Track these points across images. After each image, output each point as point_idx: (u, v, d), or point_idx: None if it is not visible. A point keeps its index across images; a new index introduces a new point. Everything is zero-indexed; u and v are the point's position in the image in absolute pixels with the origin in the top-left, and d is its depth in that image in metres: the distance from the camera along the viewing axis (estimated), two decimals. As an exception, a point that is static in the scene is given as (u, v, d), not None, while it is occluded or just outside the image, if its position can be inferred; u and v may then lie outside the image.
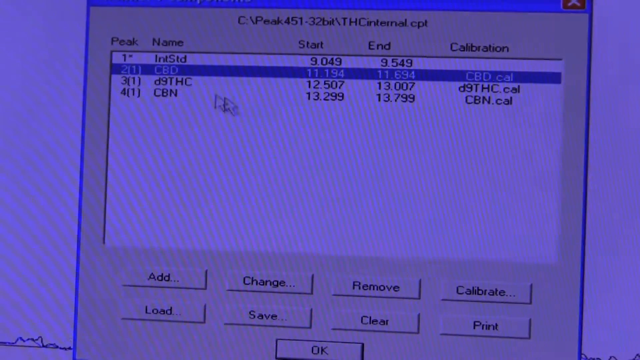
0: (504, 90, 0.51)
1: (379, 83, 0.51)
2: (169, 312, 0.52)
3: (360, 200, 0.51)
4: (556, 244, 0.50)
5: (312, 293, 0.51)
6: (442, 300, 0.51)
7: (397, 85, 0.51)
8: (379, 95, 0.51)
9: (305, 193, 0.51)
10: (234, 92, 0.52)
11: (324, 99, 0.51)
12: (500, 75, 0.51)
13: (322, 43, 0.51)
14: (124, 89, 0.52)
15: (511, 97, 0.51)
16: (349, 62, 0.51)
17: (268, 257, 0.51)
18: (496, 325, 0.50)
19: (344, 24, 0.51)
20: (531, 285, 0.50)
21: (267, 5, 0.52)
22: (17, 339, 0.52)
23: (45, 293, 0.52)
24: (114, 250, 0.52)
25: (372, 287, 0.51)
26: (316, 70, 0.51)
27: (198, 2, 0.52)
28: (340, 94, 0.51)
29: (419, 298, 0.51)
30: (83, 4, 0.52)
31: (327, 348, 0.51)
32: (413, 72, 0.51)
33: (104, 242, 0.52)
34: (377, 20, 0.51)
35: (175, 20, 0.52)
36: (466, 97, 0.51)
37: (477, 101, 0.51)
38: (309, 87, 0.51)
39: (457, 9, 0.51)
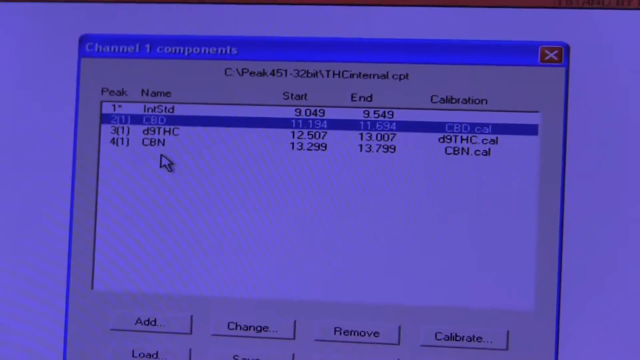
0: (482, 141, 0.52)
1: (361, 134, 0.53)
2: (155, 356, 0.53)
3: (341, 248, 0.52)
4: (532, 292, 0.51)
5: (294, 338, 0.53)
6: (421, 346, 0.52)
7: (379, 136, 0.52)
8: (360, 145, 0.53)
9: (289, 240, 0.52)
10: (220, 142, 0.53)
11: (307, 149, 0.53)
12: (478, 127, 0.52)
13: (306, 94, 0.53)
14: (113, 139, 0.54)
15: (489, 149, 0.52)
16: (332, 114, 0.53)
17: (252, 303, 0.53)
18: (474, 371, 0.52)
19: (328, 76, 0.53)
20: (508, 332, 0.51)
21: (252, 57, 0.53)
22: (7, 382, 0.54)
23: (35, 336, 0.54)
24: (101, 295, 0.53)
25: (353, 333, 0.52)
26: (300, 121, 0.53)
27: (186, 54, 0.53)
28: (324, 145, 0.53)
29: (399, 344, 0.52)
30: (74, 56, 0.54)
31: (309, 392, 0.52)
32: (394, 124, 0.53)
33: (92, 287, 0.53)
34: (360, 73, 0.53)
35: (163, 71, 0.53)
36: (446, 148, 0.52)
37: (456, 152, 0.52)
38: (293, 137, 0.53)
39: (438, 62, 0.52)
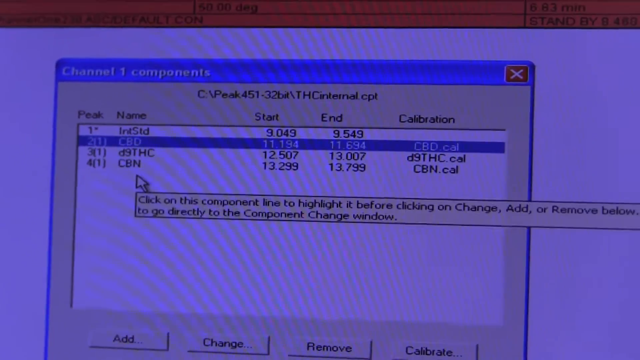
0: (450, 159, 0.53)
1: (332, 153, 0.54)
2: (132, 372, 0.54)
3: (313, 265, 0.53)
4: (501, 307, 0.52)
5: (268, 354, 0.54)
6: (393, 360, 0.53)
7: (349, 155, 0.54)
8: (331, 164, 0.54)
9: (261, 258, 0.54)
10: (195, 161, 0.54)
11: (279, 169, 0.54)
12: (446, 145, 0.53)
13: (277, 115, 0.54)
14: (90, 160, 0.55)
15: (457, 166, 0.53)
16: (303, 134, 0.54)
17: (226, 319, 0.54)
18: (443, 384, 0.53)
19: (298, 97, 0.54)
20: (477, 346, 0.53)
21: (224, 79, 0.54)
22: (-11, 399, 0.55)
23: (15, 353, 0.55)
24: (81, 313, 0.55)
25: (325, 348, 0.53)
26: (272, 140, 0.54)
27: (160, 77, 0.55)
28: (295, 164, 0.54)
29: (370, 358, 0.53)
30: (51, 79, 0.55)
31: (283, 407, 0.53)
32: (364, 143, 0.54)
33: (71, 306, 0.55)
34: (330, 94, 0.54)
35: (138, 94, 0.55)
36: (414, 167, 0.53)
37: (425, 170, 0.53)
38: (265, 157, 0.54)
39: (406, 83, 0.53)
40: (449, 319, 0.52)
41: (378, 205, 0.53)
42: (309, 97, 0.54)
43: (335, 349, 0.53)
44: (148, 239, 0.54)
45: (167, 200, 0.54)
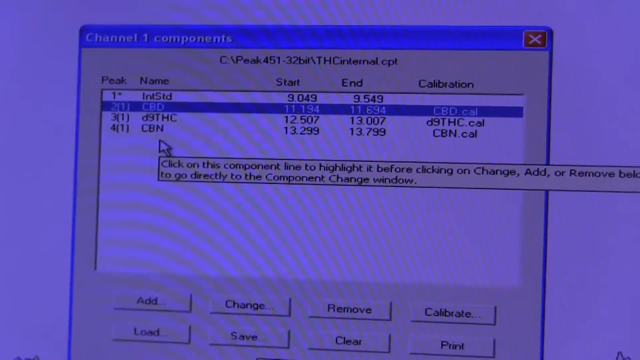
0: (469, 123, 0.54)
1: (352, 118, 0.54)
2: (156, 333, 0.55)
3: (334, 228, 0.54)
4: (518, 268, 0.53)
5: (289, 315, 0.55)
6: (412, 321, 0.54)
7: (369, 120, 0.54)
8: (352, 129, 0.54)
9: (282, 221, 0.54)
10: (217, 126, 0.55)
11: (301, 133, 0.55)
12: (465, 110, 0.54)
13: (298, 81, 0.55)
14: (114, 125, 0.56)
15: (476, 131, 0.54)
16: (323, 99, 0.55)
17: (248, 282, 0.55)
18: (462, 345, 0.53)
19: (319, 62, 0.55)
20: (495, 307, 0.53)
21: (246, 45, 0.55)
22: (15, 359, 0.56)
23: (41, 315, 0.56)
24: (105, 276, 0.55)
25: (345, 310, 0.54)
26: (293, 106, 0.55)
27: (182, 43, 0.55)
28: (316, 129, 0.55)
29: (390, 319, 0.54)
30: (75, 46, 0.56)
31: (305, 367, 0.54)
32: (384, 108, 0.54)
33: (95, 268, 0.56)
34: (350, 59, 0.54)
35: (160, 60, 0.55)
36: (434, 131, 0.54)
37: (444, 134, 0.54)
38: (287, 122, 0.55)
39: (425, 48, 0.54)
40: (468, 281, 0.53)
41: (398, 169, 0.54)
42: (330, 63, 0.54)
43: (355, 310, 0.54)
44: (170, 202, 0.55)
45: (189, 165, 0.55)
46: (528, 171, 0.53)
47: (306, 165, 0.54)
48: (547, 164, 0.53)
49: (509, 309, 0.53)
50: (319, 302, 0.54)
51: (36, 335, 0.56)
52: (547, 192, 0.53)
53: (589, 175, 0.53)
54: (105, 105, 0.56)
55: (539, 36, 0.53)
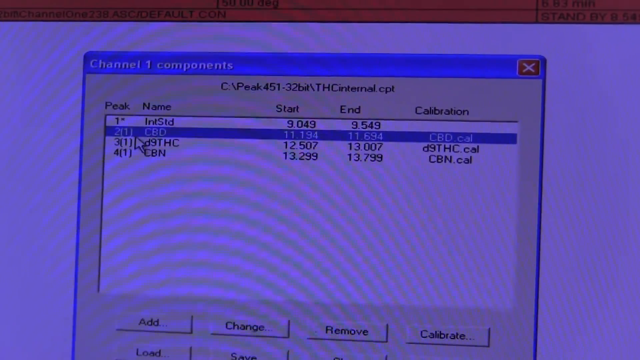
0: (464, 150, 0.55)
1: (350, 144, 0.56)
2: (158, 354, 0.56)
3: (332, 251, 0.55)
4: (512, 291, 0.54)
5: (288, 337, 0.56)
6: (407, 343, 0.55)
7: (367, 145, 0.55)
8: (349, 155, 0.56)
9: (282, 244, 0.55)
10: (218, 152, 0.56)
11: (300, 159, 0.56)
12: (460, 136, 0.55)
13: (297, 107, 0.56)
14: (117, 150, 0.57)
15: (471, 157, 0.55)
16: (322, 125, 0.56)
17: (248, 304, 0.56)
18: (457, 366, 0.55)
19: (318, 89, 0.56)
20: (489, 330, 0.54)
21: (247, 72, 0.56)
22: (20, 379, 0.57)
23: (45, 336, 0.57)
24: (107, 297, 0.57)
25: (343, 331, 0.55)
26: (292, 132, 0.56)
27: (184, 69, 0.57)
28: (315, 154, 0.56)
29: (386, 341, 0.55)
30: (79, 72, 0.57)
31: (303, 387, 0.55)
32: (381, 134, 0.55)
33: (98, 290, 0.57)
34: (348, 86, 0.56)
35: (163, 86, 0.56)
36: (429, 157, 0.55)
37: (439, 160, 0.55)
38: (286, 147, 0.56)
39: (422, 76, 0.55)
40: (462, 304, 0.54)
41: (393, 194, 0.55)
42: (329, 90, 0.56)
43: (352, 332, 0.55)
44: (171, 225, 0.56)
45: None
46: (522, 197, 0.54)
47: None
48: (541, 188, 0.54)
49: (502, 331, 0.54)
50: (317, 323, 0.55)
51: (40, 355, 0.57)
52: (540, 215, 0.54)
53: (580, 201, 0.54)
54: (109, 130, 0.57)
55: (533, 64, 0.54)
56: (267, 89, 0.56)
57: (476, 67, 0.54)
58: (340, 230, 0.55)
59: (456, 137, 0.54)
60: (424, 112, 0.55)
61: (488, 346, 0.54)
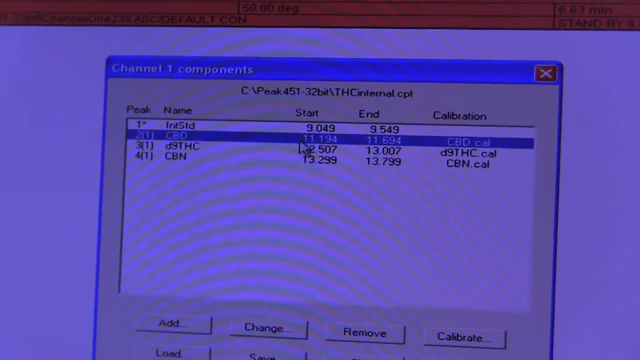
0: (481, 154, 0.55)
1: (369, 148, 0.56)
2: (177, 355, 0.57)
3: (351, 254, 0.56)
4: (528, 294, 0.55)
5: (307, 338, 0.56)
6: (425, 345, 0.56)
7: (385, 150, 0.56)
8: (368, 159, 0.56)
9: (301, 247, 0.56)
10: (238, 155, 0.57)
11: (319, 162, 0.56)
12: (478, 141, 0.56)
13: (317, 111, 0.57)
14: (138, 153, 0.58)
15: (488, 161, 0.55)
16: (341, 129, 0.56)
17: (267, 305, 0.56)
18: (474, 368, 0.55)
19: (337, 94, 0.56)
20: (506, 332, 0.55)
21: (267, 77, 0.57)
22: (41, 378, 0.58)
23: (66, 336, 0.57)
24: (128, 298, 0.57)
25: (361, 333, 0.56)
26: (312, 136, 0.57)
27: (205, 74, 0.57)
28: (334, 158, 0.56)
29: (404, 343, 0.56)
30: (101, 76, 0.58)
31: (321, 388, 0.56)
32: (399, 138, 0.56)
33: (119, 291, 0.57)
34: (367, 91, 0.56)
35: (184, 90, 0.57)
36: (447, 161, 0.56)
37: (457, 164, 0.56)
38: (306, 151, 0.57)
39: (440, 81, 0.56)
40: (479, 306, 0.55)
41: (411, 198, 0.55)
42: (348, 94, 0.56)
43: (370, 334, 0.56)
44: (192, 228, 0.57)
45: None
46: (538, 202, 0.54)
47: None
48: (557, 192, 0.54)
49: (519, 334, 0.55)
50: (335, 325, 0.56)
51: (61, 355, 0.57)
52: (556, 219, 0.54)
53: (599, 205, 0.54)
54: (130, 134, 0.57)
55: (550, 70, 0.55)
56: (287, 93, 0.56)
57: (494, 72, 0.55)
58: (358, 233, 0.56)
59: (474, 142, 0.55)
60: (442, 117, 0.55)
61: (505, 348, 0.55)
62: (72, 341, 0.57)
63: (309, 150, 0.55)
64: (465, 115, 0.55)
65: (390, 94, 0.56)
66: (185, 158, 0.57)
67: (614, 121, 0.54)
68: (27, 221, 0.58)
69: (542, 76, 0.55)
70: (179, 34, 0.57)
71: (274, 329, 0.56)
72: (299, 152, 0.56)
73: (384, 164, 0.55)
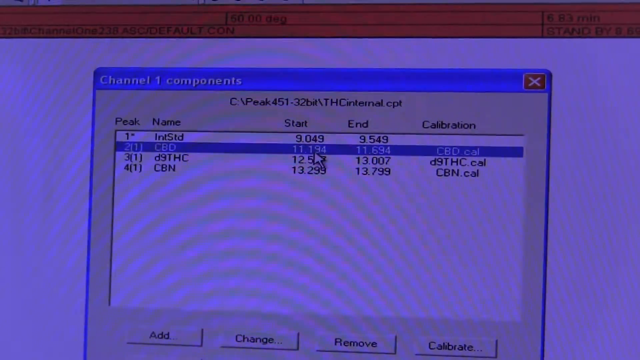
0: (471, 163, 0.55)
1: (358, 158, 0.56)
2: (168, 367, 0.57)
3: (340, 264, 0.56)
4: (519, 303, 0.55)
5: (297, 349, 0.56)
6: (416, 354, 0.56)
7: (375, 159, 0.56)
8: (357, 169, 0.56)
9: (290, 258, 0.56)
10: (227, 166, 0.57)
11: (308, 173, 0.56)
12: (467, 150, 0.56)
13: (306, 122, 0.56)
14: (127, 165, 0.57)
15: (478, 170, 0.55)
16: (330, 139, 0.56)
17: (258, 316, 0.56)
18: (465, 378, 0.55)
19: (326, 104, 0.56)
20: (496, 341, 0.55)
21: (256, 87, 0.57)
22: (32, 392, 0.58)
23: (56, 349, 0.57)
24: (118, 311, 0.57)
25: (352, 344, 0.56)
26: (301, 146, 0.56)
27: (193, 85, 0.57)
28: (323, 168, 0.56)
29: (395, 353, 0.56)
30: (89, 88, 0.58)
31: (313, 399, 0.56)
32: (389, 148, 0.56)
33: (109, 304, 0.57)
34: (356, 101, 0.56)
35: (173, 102, 0.57)
36: (437, 170, 0.56)
37: (446, 174, 0.56)
38: (295, 162, 0.56)
39: (429, 90, 0.56)
40: (470, 316, 0.55)
41: (401, 208, 0.55)
42: (337, 104, 0.56)
43: (361, 344, 0.56)
44: (182, 239, 0.57)
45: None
46: (528, 211, 0.54)
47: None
48: (547, 201, 0.54)
49: (509, 343, 0.55)
50: (326, 336, 0.56)
51: (52, 368, 0.57)
52: (546, 227, 0.54)
53: (588, 213, 0.54)
54: (119, 146, 0.57)
55: (539, 79, 0.55)
56: (275, 104, 0.56)
57: (483, 81, 0.55)
58: (348, 244, 0.55)
59: (463, 151, 0.55)
60: (431, 126, 0.55)
61: (495, 357, 0.55)
62: (63, 355, 0.57)
63: (324, 160, 0.55)
64: (454, 124, 0.55)
65: (379, 104, 0.56)
66: (174, 170, 0.57)
67: (603, 128, 0.54)
68: (15, 234, 0.58)
69: (530, 84, 0.55)
70: (166, 45, 0.57)
71: (264, 340, 0.56)
72: (314, 162, 0.55)
73: (373, 174, 0.55)
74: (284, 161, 0.56)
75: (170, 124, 0.57)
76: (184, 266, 0.56)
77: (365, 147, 0.56)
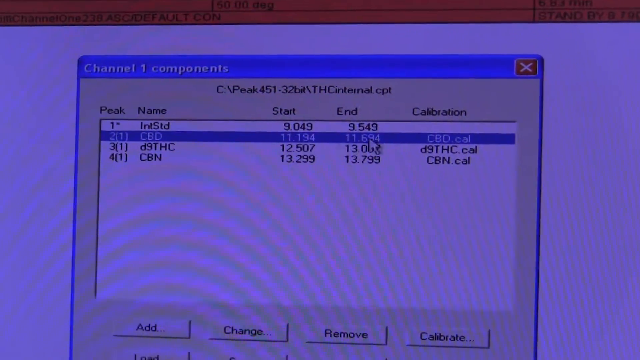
0: (462, 150, 0.55)
1: (347, 146, 0.55)
2: (156, 359, 0.56)
3: (330, 254, 0.55)
4: (512, 292, 0.54)
5: (287, 341, 0.55)
6: (407, 345, 0.55)
7: (364, 147, 0.55)
8: (347, 157, 0.55)
9: (279, 247, 0.55)
10: (214, 155, 0.56)
11: (297, 161, 0.56)
12: (458, 137, 0.55)
13: (294, 109, 0.56)
14: (112, 154, 0.57)
15: (469, 157, 0.55)
16: (319, 127, 0.56)
17: (246, 308, 0.55)
18: (457, 368, 0.54)
19: (314, 91, 0.56)
20: (489, 331, 0.54)
21: (243, 75, 0.56)
22: (17, 387, 0.57)
23: (42, 342, 0.57)
24: (104, 303, 0.56)
25: (342, 335, 0.55)
26: (289, 134, 0.56)
27: (179, 73, 0.56)
28: (312, 157, 0.55)
29: (386, 344, 0.55)
30: (74, 76, 0.57)
31: (303, 391, 0.55)
32: (378, 135, 0.55)
33: (95, 296, 0.56)
34: (345, 88, 0.55)
35: (158, 90, 0.56)
36: (427, 158, 0.55)
37: (437, 161, 0.55)
38: (283, 150, 0.56)
39: (419, 77, 0.55)
40: (462, 306, 0.54)
41: (391, 196, 0.54)
42: (325, 91, 0.55)
43: (351, 335, 0.55)
44: (168, 230, 0.56)
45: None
46: (520, 198, 0.54)
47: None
48: (539, 188, 0.53)
49: (502, 333, 0.54)
50: (316, 327, 0.55)
51: (38, 362, 0.57)
52: (539, 215, 0.54)
53: (581, 201, 0.53)
54: (104, 135, 0.56)
55: (530, 64, 0.54)
56: (263, 91, 0.55)
57: (473, 67, 0.54)
58: (338, 233, 0.55)
59: (454, 138, 0.54)
60: (421, 113, 0.54)
61: (488, 347, 0.54)
62: (49, 347, 0.56)
63: (379, 147, 0.54)
64: (445, 111, 0.54)
65: (369, 91, 0.55)
66: (160, 159, 0.56)
67: (596, 114, 0.53)
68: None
69: (522, 70, 0.54)
70: (152, 32, 0.56)
71: (253, 332, 0.55)
72: (369, 149, 0.54)
73: (363, 162, 0.55)
74: (272, 149, 0.55)
75: (156, 112, 0.56)
76: (171, 257, 0.56)
77: (354, 135, 0.55)
